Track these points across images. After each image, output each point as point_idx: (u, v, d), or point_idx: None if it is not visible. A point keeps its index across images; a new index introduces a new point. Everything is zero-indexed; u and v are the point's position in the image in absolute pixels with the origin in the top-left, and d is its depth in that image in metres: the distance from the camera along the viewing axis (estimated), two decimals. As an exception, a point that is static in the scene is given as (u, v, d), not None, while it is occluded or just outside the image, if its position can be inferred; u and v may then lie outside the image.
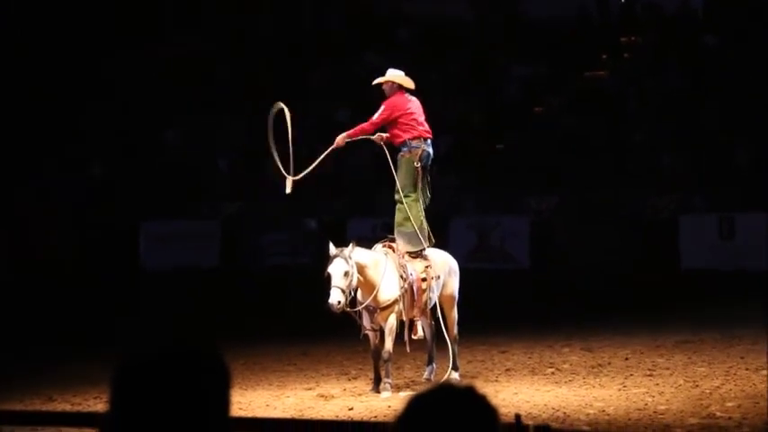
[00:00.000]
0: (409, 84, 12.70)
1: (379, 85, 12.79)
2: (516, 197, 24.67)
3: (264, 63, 29.22)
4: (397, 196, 12.63)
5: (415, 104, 12.68)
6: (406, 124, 12.52)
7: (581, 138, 24.92)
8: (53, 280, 23.32)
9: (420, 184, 12.59)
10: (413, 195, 12.57)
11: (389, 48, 27.14)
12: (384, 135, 12.64)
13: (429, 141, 12.66)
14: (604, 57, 27.40)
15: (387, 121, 12.52)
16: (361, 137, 12.73)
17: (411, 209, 12.52)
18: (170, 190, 26.84)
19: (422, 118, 12.65)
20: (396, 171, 12.62)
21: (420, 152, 12.54)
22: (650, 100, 25.29)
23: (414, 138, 12.54)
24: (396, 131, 12.55)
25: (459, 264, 13.11)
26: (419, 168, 12.53)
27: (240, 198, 26.68)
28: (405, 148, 12.57)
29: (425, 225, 12.59)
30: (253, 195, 26.44)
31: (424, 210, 12.65)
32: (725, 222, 22.14)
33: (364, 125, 12.63)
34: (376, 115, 12.57)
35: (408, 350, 12.30)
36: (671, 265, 21.71)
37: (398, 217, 12.59)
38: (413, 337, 12.22)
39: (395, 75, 12.73)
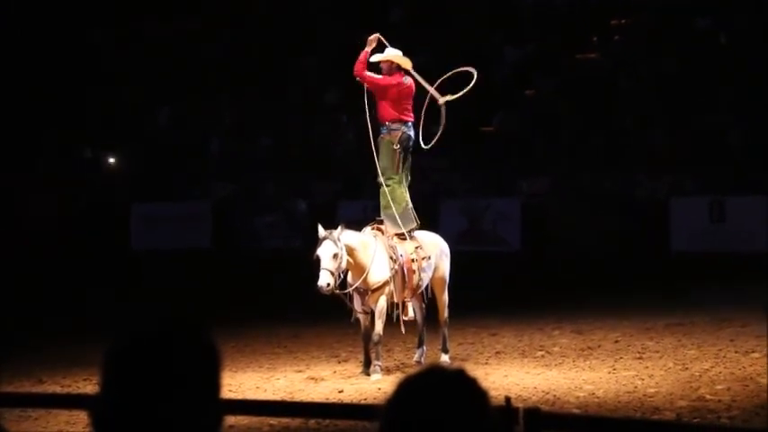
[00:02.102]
0: (407, 64, 12.69)
1: (377, 62, 12.77)
2: (507, 179, 24.67)
3: (256, 44, 29.14)
4: (379, 180, 12.65)
5: (407, 88, 12.67)
6: (392, 105, 12.53)
7: (572, 120, 24.91)
8: (42, 261, 23.28)
9: (401, 167, 12.60)
10: (395, 178, 12.59)
11: (381, 28, 27.06)
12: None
13: (410, 124, 12.67)
14: (595, 39, 27.37)
15: (381, 84, 12.48)
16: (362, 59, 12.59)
17: (395, 191, 12.54)
18: (162, 171, 26.81)
19: (409, 101, 12.66)
20: (377, 154, 12.64)
21: (399, 134, 12.56)
22: (641, 82, 25.28)
23: (394, 120, 12.55)
24: (382, 108, 12.57)
25: (450, 246, 13.11)
26: (399, 151, 12.54)
27: (231, 180, 26.65)
28: (384, 130, 12.60)
29: (410, 207, 12.60)
30: (244, 177, 26.43)
31: (408, 191, 12.67)
32: (715, 205, 22.17)
33: (368, 74, 12.55)
34: (377, 76, 12.54)
35: (403, 331, 12.32)
36: (661, 248, 21.74)
37: (383, 200, 12.61)
38: (404, 318, 12.23)
39: (394, 54, 12.71)
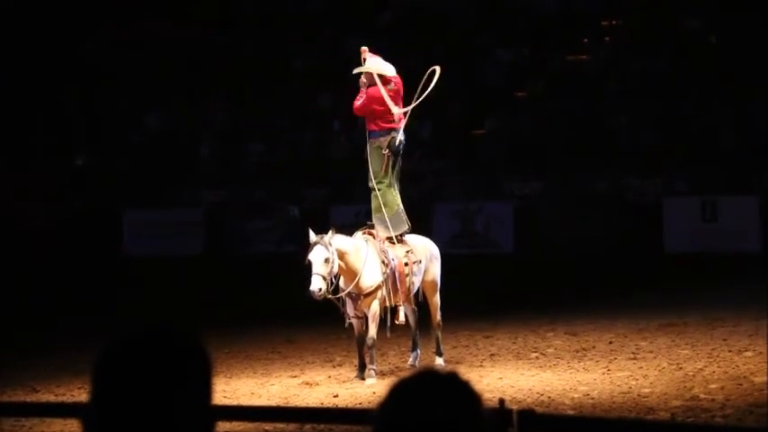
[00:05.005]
0: (389, 71, 12.71)
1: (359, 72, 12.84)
2: (500, 182, 24.68)
3: (247, 48, 29.12)
4: (370, 184, 12.72)
5: (394, 93, 12.70)
6: (381, 113, 12.63)
7: (564, 122, 24.93)
8: (32, 267, 23.22)
9: (391, 170, 12.66)
10: (385, 181, 12.66)
11: (372, 32, 27.08)
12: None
13: (399, 129, 12.73)
14: (585, 40, 27.40)
15: (366, 108, 12.62)
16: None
17: (386, 195, 12.60)
18: (153, 177, 26.76)
19: (395, 105, 12.70)
20: (368, 159, 12.72)
21: (389, 139, 12.63)
22: (632, 83, 25.31)
23: (383, 127, 12.64)
24: (372, 115, 12.67)
25: (442, 249, 13.14)
26: (387, 155, 12.61)
27: (223, 185, 26.63)
28: (374, 136, 12.69)
29: (402, 210, 12.64)
30: (236, 182, 26.41)
31: (399, 194, 12.73)
32: (708, 205, 22.21)
33: (357, 104, 12.70)
34: (359, 101, 12.66)
35: (388, 335, 12.30)
36: (654, 248, 21.76)
37: (374, 204, 12.66)
38: (395, 322, 12.24)
39: (374, 65, 12.74)
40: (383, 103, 12.60)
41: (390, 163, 12.65)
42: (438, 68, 12.81)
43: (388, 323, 12.21)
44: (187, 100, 28.28)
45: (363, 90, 12.71)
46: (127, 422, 2.50)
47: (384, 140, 12.65)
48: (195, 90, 28.44)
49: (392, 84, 12.73)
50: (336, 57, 27.26)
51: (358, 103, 12.73)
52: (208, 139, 27.86)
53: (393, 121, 12.72)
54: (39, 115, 27.86)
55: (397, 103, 12.72)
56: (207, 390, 2.59)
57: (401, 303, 12.30)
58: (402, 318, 12.31)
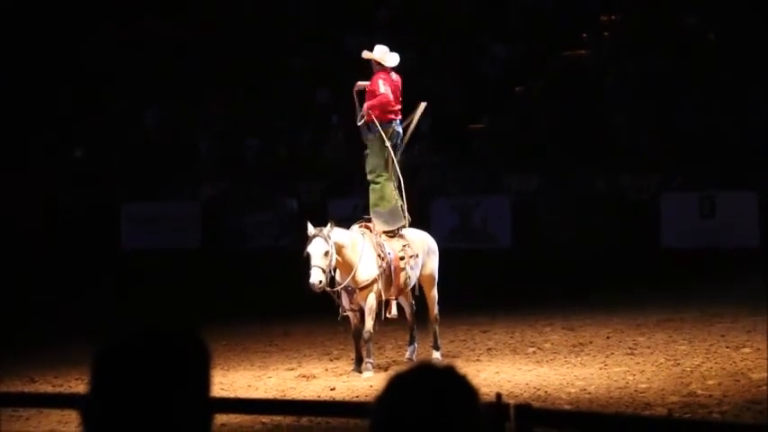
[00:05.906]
0: (389, 62, 12.71)
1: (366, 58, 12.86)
2: (497, 177, 24.68)
3: (245, 44, 29.11)
4: (369, 177, 12.71)
5: (393, 85, 12.72)
6: (380, 106, 12.60)
7: (561, 117, 24.92)
8: (31, 261, 23.21)
9: (391, 164, 12.65)
10: (385, 175, 12.66)
11: (369, 28, 27.06)
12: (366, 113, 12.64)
13: (398, 121, 12.74)
14: (584, 35, 27.38)
15: (375, 95, 12.53)
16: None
17: (384, 188, 12.60)
18: (151, 172, 26.77)
19: (395, 98, 12.71)
20: (367, 153, 12.71)
21: (390, 131, 12.62)
22: (631, 80, 25.29)
23: (383, 119, 12.60)
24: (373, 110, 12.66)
25: (440, 244, 13.15)
26: (389, 148, 12.59)
27: (220, 180, 26.64)
28: (374, 129, 12.63)
29: (400, 204, 12.64)
30: (233, 177, 26.42)
31: (397, 188, 12.72)
32: (705, 201, 22.21)
33: (381, 99, 12.54)
34: (379, 88, 12.52)
35: (376, 328, 12.26)
36: (652, 244, 21.76)
37: (373, 197, 12.66)
38: (387, 315, 12.26)
39: (380, 53, 12.75)
40: (390, 90, 12.56)
41: (390, 156, 12.64)
42: (424, 104, 12.83)
43: (383, 317, 12.23)
44: (186, 99, 28.28)
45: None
46: (126, 420, 2.50)
47: (385, 132, 12.62)
48: (194, 89, 28.43)
49: (395, 77, 12.76)
50: (335, 54, 27.27)
51: (381, 89, 12.54)
52: (207, 137, 27.85)
53: (394, 113, 12.68)
54: (38, 115, 27.84)
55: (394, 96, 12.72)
56: (205, 383, 2.59)
57: (394, 297, 12.32)
58: (395, 311, 12.33)
